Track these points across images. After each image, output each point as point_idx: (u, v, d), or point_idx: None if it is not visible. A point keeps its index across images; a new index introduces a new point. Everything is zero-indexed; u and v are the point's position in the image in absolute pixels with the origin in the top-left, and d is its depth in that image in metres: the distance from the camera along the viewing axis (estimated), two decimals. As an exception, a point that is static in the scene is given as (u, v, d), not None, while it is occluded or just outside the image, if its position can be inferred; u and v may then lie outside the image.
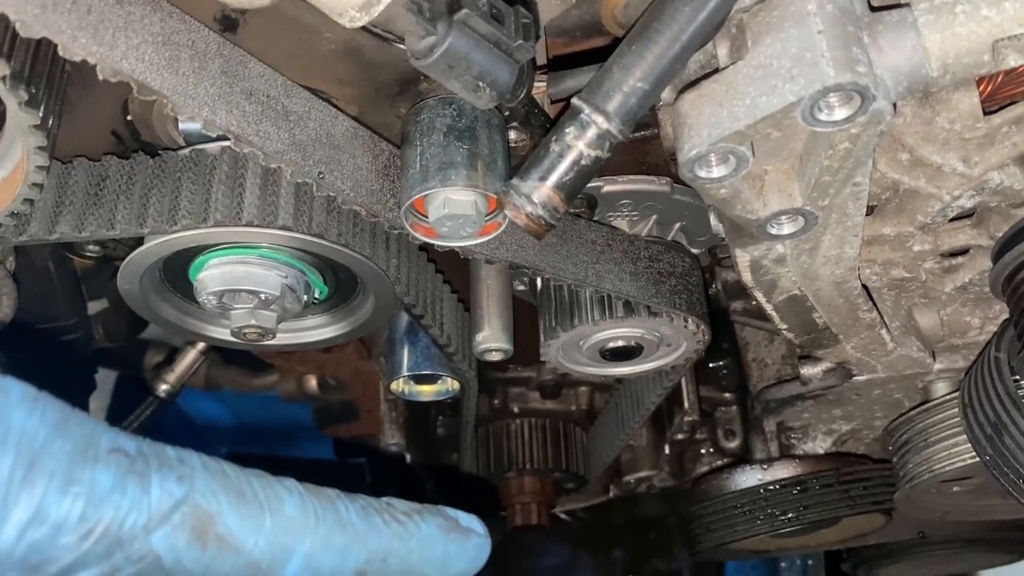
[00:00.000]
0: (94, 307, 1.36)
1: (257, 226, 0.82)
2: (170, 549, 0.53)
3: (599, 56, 0.95)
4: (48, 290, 1.20)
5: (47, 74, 0.70)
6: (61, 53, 0.63)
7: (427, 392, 1.24)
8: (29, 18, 0.60)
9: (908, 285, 1.03)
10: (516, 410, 1.57)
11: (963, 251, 0.99)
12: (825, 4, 0.69)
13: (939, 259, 1.00)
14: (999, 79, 0.80)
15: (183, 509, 0.53)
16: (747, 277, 0.94)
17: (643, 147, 1.00)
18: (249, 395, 1.80)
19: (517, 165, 0.80)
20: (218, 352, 1.47)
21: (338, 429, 1.64)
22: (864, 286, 1.01)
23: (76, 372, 1.38)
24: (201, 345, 1.39)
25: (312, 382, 1.56)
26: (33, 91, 0.67)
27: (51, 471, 0.49)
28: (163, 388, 1.38)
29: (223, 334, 1.03)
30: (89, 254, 1.07)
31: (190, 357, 1.38)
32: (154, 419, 1.42)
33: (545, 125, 0.91)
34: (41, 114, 0.68)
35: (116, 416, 1.62)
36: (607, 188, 1.03)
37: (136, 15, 0.67)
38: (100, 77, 0.65)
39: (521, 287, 1.16)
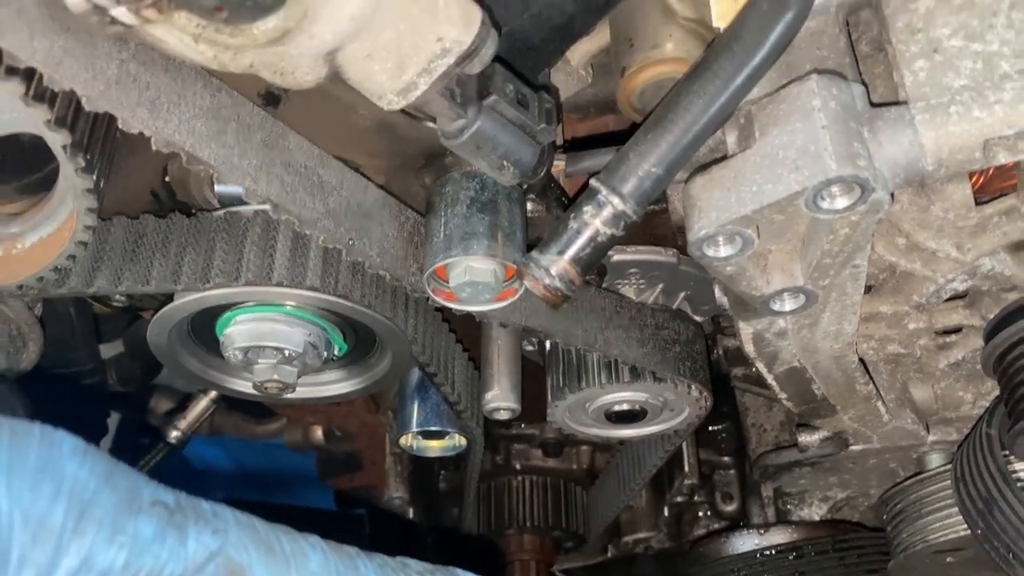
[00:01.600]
0: (108, 351, 1.39)
1: (286, 286, 0.86)
2: (203, 599, 0.56)
3: (612, 138, 1.00)
4: (67, 335, 1.23)
5: (101, 141, 0.75)
6: (120, 126, 0.67)
7: (434, 448, 1.26)
8: (95, 94, 0.65)
9: (904, 360, 1.07)
10: (518, 467, 1.59)
11: (956, 330, 1.03)
12: (829, 101, 0.74)
13: (933, 336, 1.04)
14: (990, 172, 0.85)
15: (217, 561, 0.56)
16: (750, 349, 0.98)
17: (652, 220, 1.05)
18: (250, 441, 1.80)
19: (536, 237, 0.85)
20: (223, 398, 1.49)
21: (341, 480, 1.65)
22: (861, 360, 1.04)
23: (90, 415, 1.40)
24: (213, 392, 1.41)
25: (318, 432, 1.57)
26: (89, 158, 0.71)
27: (100, 521, 0.52)
28: (174, 435, 1.40)
29: (243, 386, 1.06)
30: (116, 304, 1.10)
31: (202, 405, 1.40)
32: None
33: (560, 198, 0.96)
34: (94, 179, 0.73)
35: (118, 459, 1.61)
36: (616, 257, 1.07)
37: (189, 91, 0.71)
38: (153, 148, 0.69)
39: (530, 347, 1.19)
